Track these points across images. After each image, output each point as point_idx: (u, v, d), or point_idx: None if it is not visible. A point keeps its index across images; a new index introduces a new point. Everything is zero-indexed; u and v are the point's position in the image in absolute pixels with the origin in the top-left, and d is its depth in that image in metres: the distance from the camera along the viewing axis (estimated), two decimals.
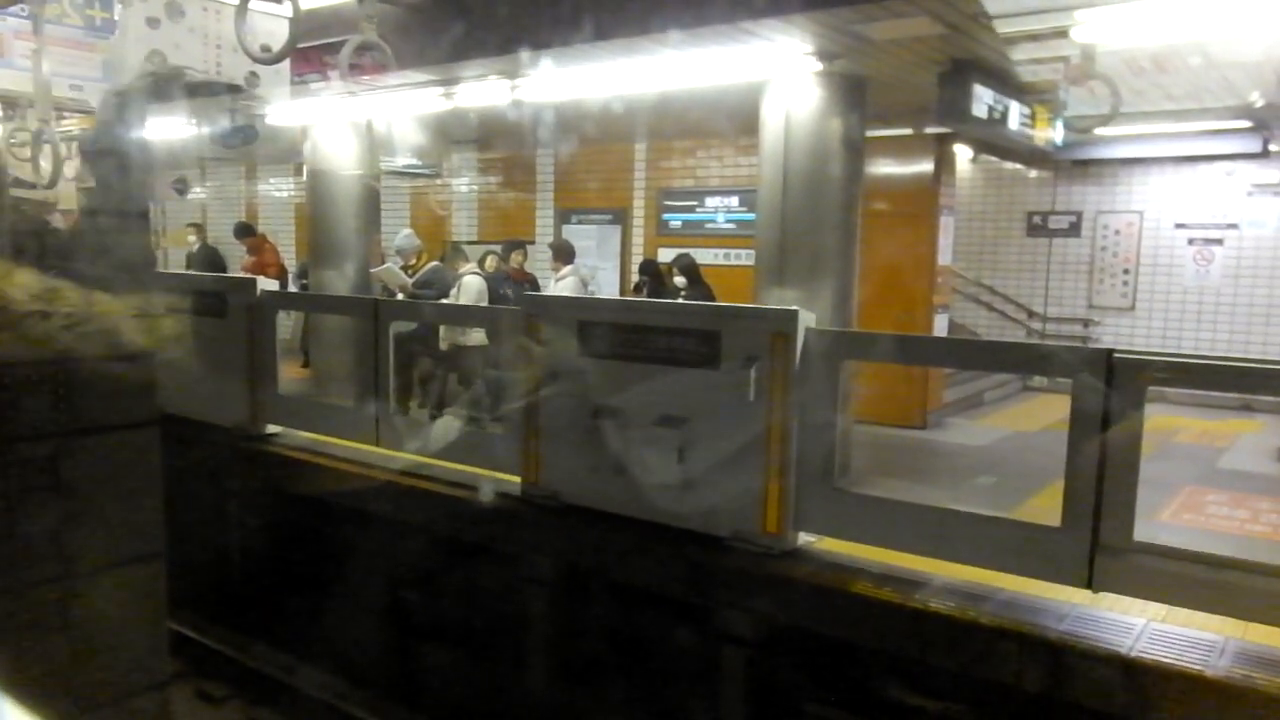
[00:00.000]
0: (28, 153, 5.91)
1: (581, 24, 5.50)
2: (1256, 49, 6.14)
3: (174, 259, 12.99)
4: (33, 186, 5.79)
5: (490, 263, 8.77)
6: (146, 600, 2.19)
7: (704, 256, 9.80)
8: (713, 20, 5.24)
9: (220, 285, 7.36)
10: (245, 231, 11.85)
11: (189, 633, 6.31)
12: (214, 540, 6.83)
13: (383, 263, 9.01)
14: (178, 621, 4.96)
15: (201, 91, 5.62)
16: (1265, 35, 5.60)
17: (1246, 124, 9.14)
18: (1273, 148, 9.52)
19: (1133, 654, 3.46)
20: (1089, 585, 3.73)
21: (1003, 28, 5.19)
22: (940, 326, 8.83)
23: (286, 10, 4.87)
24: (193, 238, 12.33)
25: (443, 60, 6.58)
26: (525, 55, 6.26)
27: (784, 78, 5.96)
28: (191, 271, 11.20)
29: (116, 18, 6.14)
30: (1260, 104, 7.91)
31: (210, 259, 12.04)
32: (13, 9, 6.01)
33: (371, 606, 6.10)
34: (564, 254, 8.66)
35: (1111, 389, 3.67)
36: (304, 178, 8.68)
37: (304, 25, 4.66)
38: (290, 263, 12.66)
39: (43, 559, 2.00)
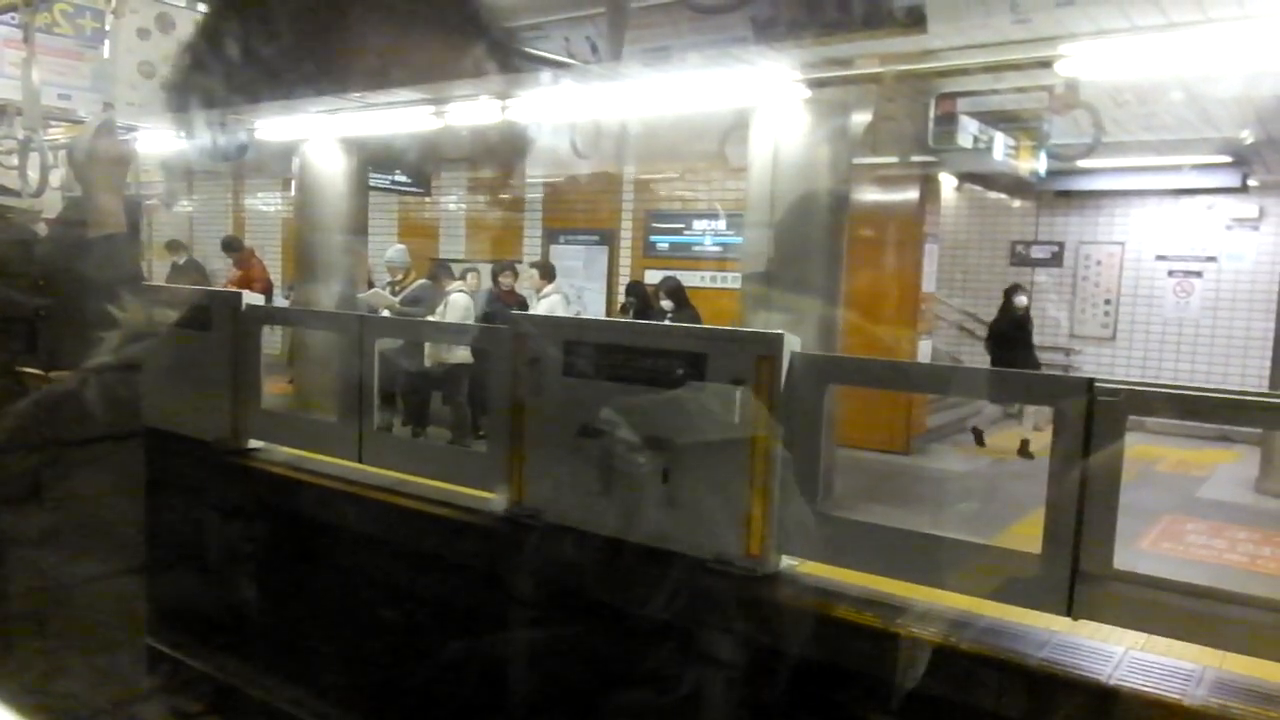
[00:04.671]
0: (15, 161, 5.89)
1: (572, 48, 5.56)
2: (1236, 85, 6.25)
3: (159, 272, 12.88)
4: (18, 195, 5.76)
5: (472, 280, 8.78)
6: (125, 615, 2.17)
7: (690, 279, 9.84)
8: (703, 45, 5.30)
9: (205, 299, 7.33)
10: (233, 245, 11.79)
11: (164, 648, 6.23)
12: (192, 554, 6.76)
13: (370, 284, 8.99)
14: (152, 637, 4.91)
15: None
16: (1243, 71, 5.70)
17: (1226, 159, 9.29)
18: (1251, 182, 9.67)
19: (1111, 682, 3.47)
20: (1069, 613, 3.75)
21: (988, 58, 5.27)
22: (924, 353, 8.88)
23: None
24: (175, 257, 12.19)
25: (435, 79, 6.61)
26: (514, 76, 6.30)
27: (772, 105, 6.02)
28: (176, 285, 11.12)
29: (107, 28, 6.14)
30: (1250, 140, 8.03)
31: (196, 273, 11.97)
32: (3, 17, 6.01)
33: (349, 623, 6.05)
34: (547, 272, 8.70)
35: (1092, 418, 3.70)
36: (292, 192, 8.66)
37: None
38: (277, 278, 12.61)
39: (22, 570, 1.98)
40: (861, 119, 6.28)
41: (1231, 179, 9.64)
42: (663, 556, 4.64)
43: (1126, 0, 4.21)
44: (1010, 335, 8.87)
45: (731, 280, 9.57)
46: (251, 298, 7.06)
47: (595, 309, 11.20)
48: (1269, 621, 3.39)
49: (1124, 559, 3.74)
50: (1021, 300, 8.97)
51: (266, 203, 15.10)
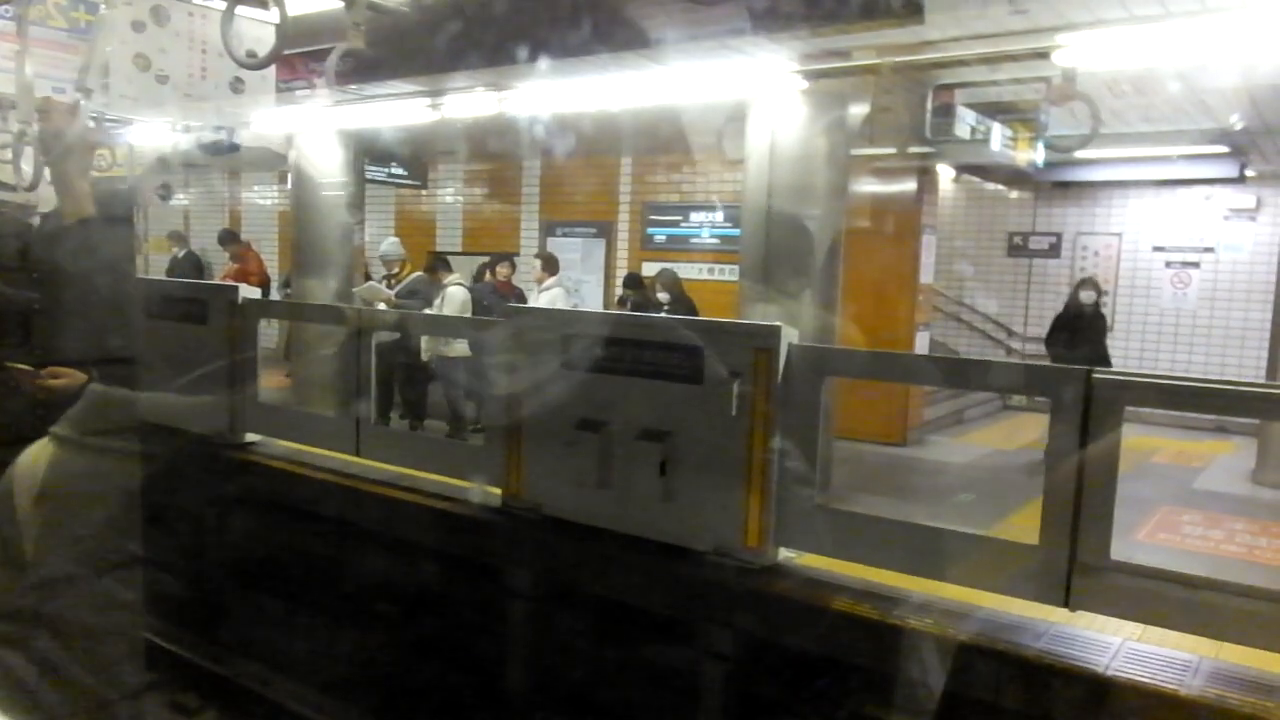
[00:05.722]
0: (8, 155, 5.86)
1: (570, 40, 5.53)
2: (1233, 74, 6.24)
3: (157, 266, 12.86)
4: (13, 189, 5.73)
5: (491, 274, 8.81)
6: (122, 609, 2.16)
7: (688, 271, 9.84)
8: (700, 36, 5.27)
9: (201, 292, 7.31)
10: (229, 238, 11.78)
11: (163, 642, 6.23)
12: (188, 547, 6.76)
13: (367, 277, 8.97)
14: (150, 630, 4.90)
15: None
16: (1240, 61, 5.68)
17: (1224, 149, 9.29)
18: (1249, 173, 9.66)
19: (1108, 672, 3.48)
20: (1066, 603, 3.75)
21: (985, 49, 5.26)
22: (922, 344, 8.88)
23: (273, 16, 4.85)
24: (175, 248, 12.22)
25: (430, 71, 6.59)
26: (512, 68, 6.28)
27: (769, 96, 6.01)
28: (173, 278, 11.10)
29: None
30: (1239, 126, 8.02)
31: (193, 266, 11.96)
32: None
33: (345, 618, 6.05)
34: (549, 265, 8.69)
35: (1089, 408, 3.70)
36: (288, 185, 8.65)
37: (291, 32, 4.65)
38: (273, 271, 12.60)
39: (17, 566, 1.97)
40: (859, 110, 6.27)
41: (1229, 169, 9.63)
42: (661, 549, 4.64)
43: None
44: (1074, 333, 8.25)
45: (729, 273, 9.57)
46: (248, 291, 7.04)
47: (593, 301, 11.19)
48: (1266, 612, 3.40)
49: (1121, 550, 3.74)
50: (1088, 296, 8.30)
51: (263, 196, 15.07)
